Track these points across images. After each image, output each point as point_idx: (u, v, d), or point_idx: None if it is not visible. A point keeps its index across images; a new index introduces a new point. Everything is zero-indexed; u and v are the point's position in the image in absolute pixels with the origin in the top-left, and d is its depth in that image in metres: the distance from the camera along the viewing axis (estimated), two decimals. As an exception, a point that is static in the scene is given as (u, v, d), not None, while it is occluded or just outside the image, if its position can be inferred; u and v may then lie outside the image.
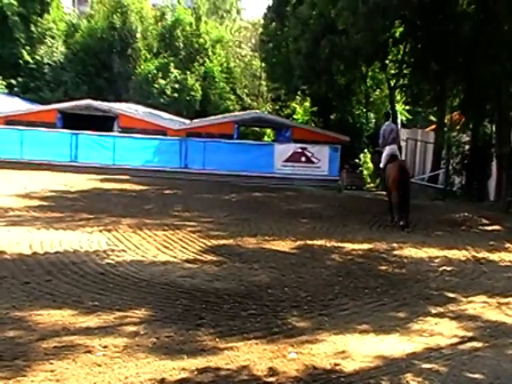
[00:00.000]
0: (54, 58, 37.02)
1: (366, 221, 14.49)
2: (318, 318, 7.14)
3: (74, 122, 23.35)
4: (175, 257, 9.86)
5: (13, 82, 34.40)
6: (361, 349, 6.21)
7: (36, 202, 14.45)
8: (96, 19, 37.69)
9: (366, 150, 25.19)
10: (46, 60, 36.63)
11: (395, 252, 11.08)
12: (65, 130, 22.69)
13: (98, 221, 12.46)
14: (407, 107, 29.18)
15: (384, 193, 19.37)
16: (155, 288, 8.04)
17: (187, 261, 9.63)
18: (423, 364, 5.89)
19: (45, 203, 14.48)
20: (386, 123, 14.78)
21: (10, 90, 33.54)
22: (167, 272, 8.87)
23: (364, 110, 29.00)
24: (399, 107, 28.10)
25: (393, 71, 25.90)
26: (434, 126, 25.29)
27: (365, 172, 23.67)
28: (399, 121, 27.45)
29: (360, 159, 24.25)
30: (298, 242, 11.46)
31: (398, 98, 27.60)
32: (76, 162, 21.82)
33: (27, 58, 35.68)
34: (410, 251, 11.16)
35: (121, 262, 9.34)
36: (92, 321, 6.68)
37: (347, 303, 7.78)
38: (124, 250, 10.06)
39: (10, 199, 14.52)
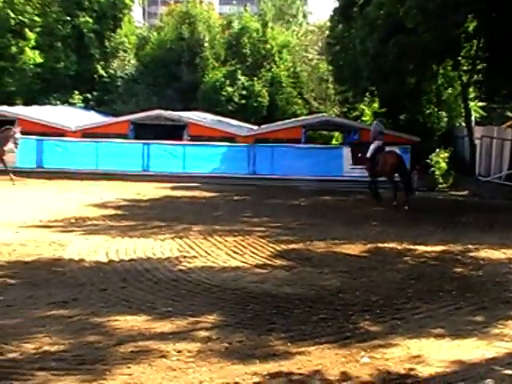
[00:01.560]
0: (126, 70, 38.18)
1: (438, 222, 14.12)
2: (390, 322, 7.01)
3: (145, 132, 23.96)
4: (245, 262, 9.94)
5: (88, 96, 35.72)
6: (436, 353, 6.05)
7: (111, 211, 14.91)
8: (165, 31, 38.58)
9: (437, 150, 24.49)
10: (118, 73, 37.83)
11: (471, 254, 10.74)
12: (137, 141, 23.31)
13: (169, 228, 12.72)
14: (481, 104, 28.21)
15: (459, 193, 19.07)
16: (226, 293, 8.13)
17: (257, 266, 9.68)
18: (505, 370, 5.66)
19: (119, 212, 14.92)
20: (375, 122, 17.93)
21: (86, 104, 34.85)
22: (238, 277, 8.95)
23: (435, 110, 28.26)
24: (473, 104, 27.21)
25: (466, 68, 25.09)
26: (510, 123, 24.34)
27: (437, 172, 22.98)
28: (473, 118, 26.60)
29: (431, 160, 23.60)
30: (369, 246, 11.30)
31: (472, 95, 26.70)
32: (148, 171, 22.33)
33: (101, 72, 36.98)
34: (487, 253, 10.79)
35: (192, 268, 9.50)
36: (166, 326, 6.82)
37: (421, 307, 7.60)
38: (195, 257, 10.23)
39: (87, 209, 15.05)
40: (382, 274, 9.29)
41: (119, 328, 6.75)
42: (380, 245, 11.38)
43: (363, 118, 28.49)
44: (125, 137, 24.00)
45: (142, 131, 24.23)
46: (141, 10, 67.40)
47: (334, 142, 31.91)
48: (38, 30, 34.53)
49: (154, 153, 22.62)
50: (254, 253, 10.59)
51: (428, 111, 28.16)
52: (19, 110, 26.27)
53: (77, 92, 35.32)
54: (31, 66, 34.00)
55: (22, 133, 23.12)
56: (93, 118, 28.97)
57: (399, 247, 11.23)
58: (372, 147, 17.21)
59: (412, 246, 11.26)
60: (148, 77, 36.62)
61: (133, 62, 38.77)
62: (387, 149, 17.89)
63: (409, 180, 17.14)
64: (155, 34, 39.91)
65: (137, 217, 14.14)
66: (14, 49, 33.37)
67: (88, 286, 8.37)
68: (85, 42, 36.40)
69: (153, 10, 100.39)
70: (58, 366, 5.63)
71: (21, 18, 33.70)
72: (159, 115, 25.24)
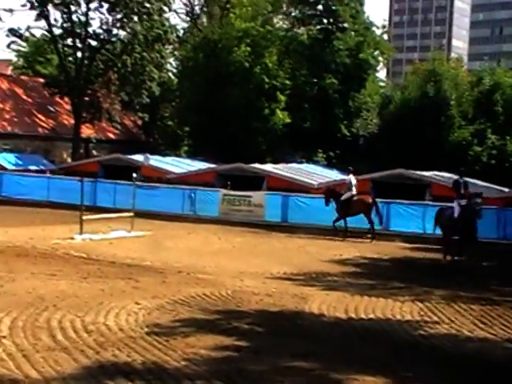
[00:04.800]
0: (368, 129, 38.96)
1: None
2: None
3: (385, 190, 23.91)
4: (494, 334, 9.20)
5: (331, 153, 37.09)
6: None
7: (350, 268, 15.05)
8: (409, 90, 38.66)
9: None
10: (361, 132, 38.75)
11: None
12: (377, 199, 23.27)
13: (409, 290, 12.39)
14: None
15: None
16: (471, 366, 7.60)
17: (508, 340, 8.90)
18: None
19: (358, 270, 14.99)
20: (350, 176, 22.46)
21: (329, 162, 36.18)
22: (484, 350, 8.31)
23: None
24: None
25: None
26: None
27: None
28: None
29: None
30: None
31: None
32: (387, 230, 22.09)
33: (344, 131, 38.25)
34: None
35: (434, 334, 9.10)
36: (406, 393, 6.59)
37: None
38: (437, 322, 9.79)
39: (327, 264, 15.41)
40: None
41: (359, 388, 6.70)
42: None
43: None
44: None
45: (383, 189, 24.23)
46: (385, 70, 68.65)
47: None
48: (287, 92, 37.16)
49: (395, 212, 22.40)
50: (504, 325, 9.75)
51: None
52: (268, 168, 28.27)
53: (320, 150, 36.91)
54: (280, 126, 36.58)
55: (270, 189, 24.94)
56: (335, 176, 29.89)
57: None
58: (347, 194, 21.60)
59: None
60: (390, 135, 36.80)
61: (375, 121, 39.43)
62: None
63: (381, 214, 21.38)
64: (399, 93, 40.20)
65: (376, 276, 14.07)
66: (266, 111, 36.30)
67: (327, 341, 8.49)
68: (329, 102, 38.13)
69: (397, 70, 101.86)
70: (299, 419, 5.76)
71: (274, 82, 36.66)
72: (401, 174, 25.09)
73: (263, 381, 6.71)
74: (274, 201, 24.00)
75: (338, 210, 21.73)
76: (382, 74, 54.82)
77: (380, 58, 42.70)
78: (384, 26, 46.42)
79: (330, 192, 22.32)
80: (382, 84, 46.95)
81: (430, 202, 22.93)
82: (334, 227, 21.59)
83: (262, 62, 36.39)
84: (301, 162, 34.27)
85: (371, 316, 10.03)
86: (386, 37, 45.94)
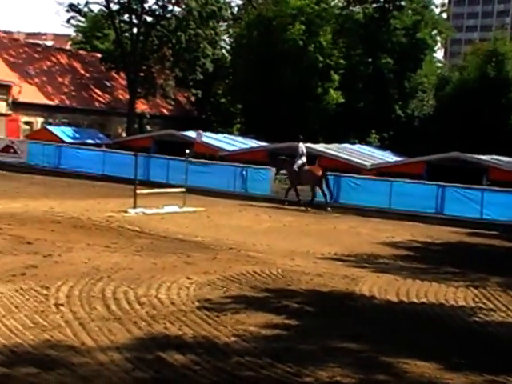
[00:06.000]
0: (423, 111, 38.12)
1: None
2: None
3: (440, 173, 23.41)
4: (552, 324, 8.92)
5: (385, 135, 36.50)
6: None
7: (402, 252, 14.79)
8: (468, 70, 37.58)
9: None
10: (416, 114, 37.94)
11: None
12: (431, 182, 22.86)
13: (463, 275, 12.12)
14: None
15: None
16: (528, 356, 7.38)
17: None
18: None
19: (411, 253, 14.73)
20: (300, 144, 22.74)
21: (382, 143, 35.63)
22: (542, 340, 8.07)
23: None
24: None
25: None
26: None
27: None
28: None
29: None
30: None
31: None
32: (442, 214, 21.69)
33: (399, 112, 37.53)
34: None
35: (489, 321, 8.89)
36: (459, 379, 6.46)
37: None
38: (493, 310, 9.55)
39: (379, 247, 15.19)
40: None
41: (409, 372, 6.61)
42: None
43: None
44: (419, 177, 23.78)
45: (438, 173, 23.73)
46: (443, 50, 66.85)
47: None
48: (341, 71, 36.64)
49: (450, 196, 21.90)
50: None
51: None
52: (321, 147, 28.04)
53: (373, 131, 36.38)
54: (333, 106, 36.16)
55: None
56: (388, 157, 29.44)
57: None
58: (299, 163, 22.12)
59: None
60: (446, 117, 35.95)
61: (431, 102, 38.56)
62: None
63: (330, 187, 22.01)
64: (457, 73, 39.14)
65: (429, 260, 13.81)
66: (319, 90, 35.93)
67: (378, 324, 8.40)
68: (384, 82, 37.43)
69: (456, 50, 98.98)
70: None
71: (328, 61, 36.20)
72: (456, 157, 24.52)
73: (312, 360, 6.69)
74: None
75: (289, 179, 22.65)
76: (439, 54, 53.53)
77: (438, 38, 41.60)
78: (443, 5, 45.40)
79: (282, 162, 22.87)
80: (439, 64, 45.80)
81: (487, 187, 22.36)
82: (285, 198, 22.31)
83: (317, 40, 35.95)
84: (353, 143, 33.85)
85: (423, 300, 9.85)
86: (444, 15, 44.83)
